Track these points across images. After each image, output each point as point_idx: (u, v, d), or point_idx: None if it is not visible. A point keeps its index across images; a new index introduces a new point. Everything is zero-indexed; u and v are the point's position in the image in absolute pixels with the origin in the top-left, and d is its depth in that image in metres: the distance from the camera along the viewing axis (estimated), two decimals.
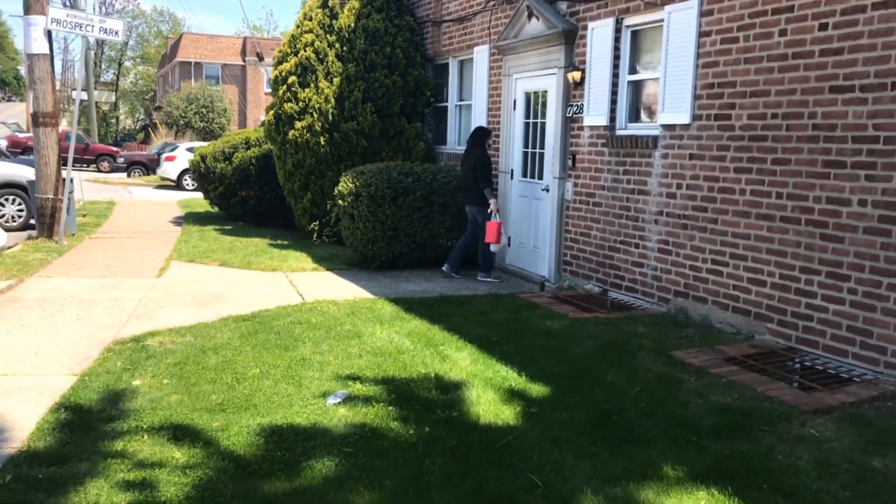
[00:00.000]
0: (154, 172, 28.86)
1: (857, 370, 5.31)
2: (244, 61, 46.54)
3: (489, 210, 8.81)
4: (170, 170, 25.49)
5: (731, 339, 6.24)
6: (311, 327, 6.52)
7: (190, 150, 25.42)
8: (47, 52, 10.96)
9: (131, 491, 3.43)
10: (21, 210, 13.27)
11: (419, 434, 4.24)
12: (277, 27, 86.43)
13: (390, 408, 4.62)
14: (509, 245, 9.77)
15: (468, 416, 4.53)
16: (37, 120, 11.05)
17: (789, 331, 5.90)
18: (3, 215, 13.13)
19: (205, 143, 26.53)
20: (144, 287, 8.17)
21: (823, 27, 5.57)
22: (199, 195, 20.95)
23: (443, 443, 4.12)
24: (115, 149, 37.01)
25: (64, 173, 11.43)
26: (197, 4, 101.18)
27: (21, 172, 13.30)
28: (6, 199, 13.19)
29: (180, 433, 4.10)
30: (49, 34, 10.90)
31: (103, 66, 62.44)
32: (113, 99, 61.43)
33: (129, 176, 30.46)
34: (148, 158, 30.92)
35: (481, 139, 9.13)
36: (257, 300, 7.60)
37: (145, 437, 4.08)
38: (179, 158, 25.30)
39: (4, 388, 4.87)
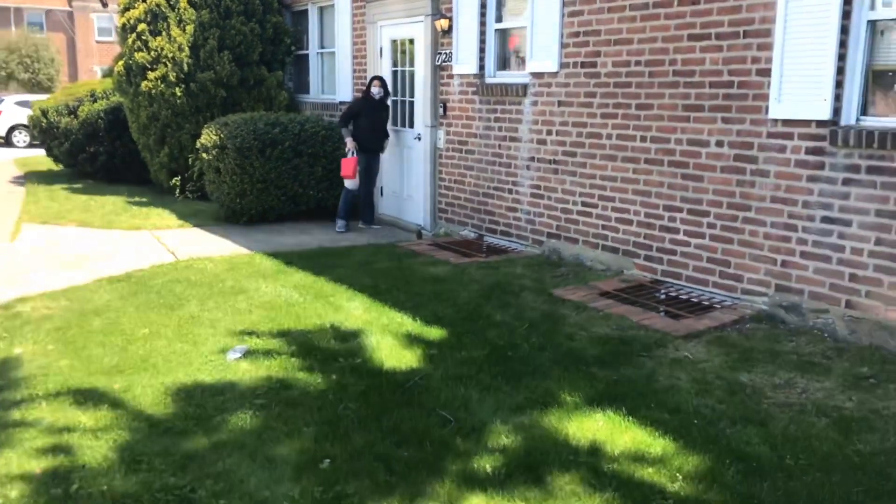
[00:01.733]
0: None
1: (718, 297, 5.85)
2: (71, 6, 43.09)
3: (347, 149, 9.01)
4: None
5: (603, 276, 6.67)
6: (191, 285, 6.37)
7: (20, 103, 23.55)
8: None
9: (45, 457, 3.33)
10: None
11: (327, 382, 4.32)
12: None
13: (293, 359, 4.66)
14: (381, 195, 9.84)
15: (372, 362, 4.65)
16: None
17: (655, 265, 6.38)
18: None
19: (35, 97, 24.61)
20: None
21: None
22: (34, 153, 19.58)
23: (352, 388, 4.23)
24: None
25: None
26: None
27: None
28: None
29: (81, 397, 3.98)
30: None
31: None
32: None
33: None
34: None
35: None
36: (127, 260, 7.31)
37: (43, 404, 3.93)
38: (7, 113, 23.39)
39: None
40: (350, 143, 9.00)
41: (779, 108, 5.34)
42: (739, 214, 5.69)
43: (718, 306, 5.70)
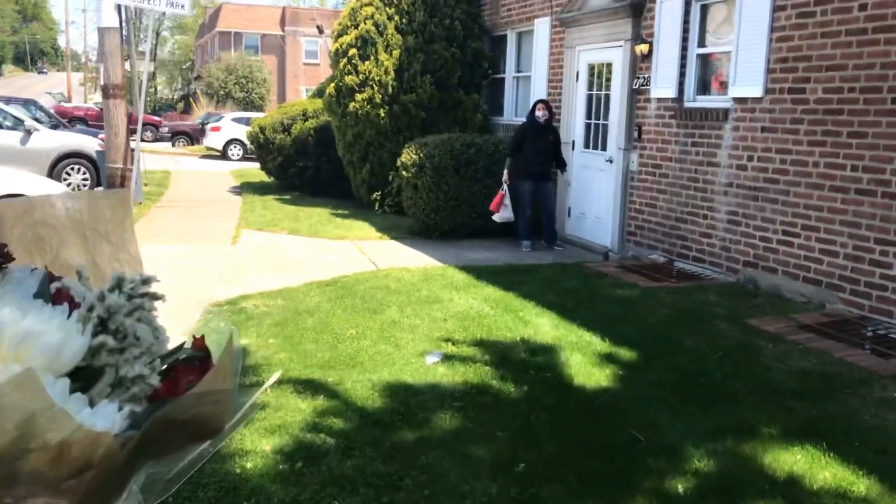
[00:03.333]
0: (198, 142, 29.34)
1: None
2: (283, 31, 46.74)
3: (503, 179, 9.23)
4: (215, 140, 25.91)
5: (803, 308, 6.41)
6: (390, 292, 6.80)
7: (236, 120, 25.84)
8: (117, 25, 11.29)
9: (273, 437, 3.74)
10: (86, 179, 13.69)
11: (519, 391, 4.50)
12: None
13: (487, 367, 4.88)
14: (569, 216, 9.97)
15: (562, 377, 4.79)
16: (107, 92, 11.40)
17: (862, 300, 6.05)
18: (70, 184, 13.55)
19: (249, 114, 26.93)
20: (223, 254, 8.52)
21: None
22: (247, 165, 21.43)
23: (543, 400, 4.38)
24: (157, 118, 37.58)
25: (132, 144, 11.79)
26: None
27: (86, 143, 13.71)
28: (72, 169, 13.62)
29: (300, 387, 4.40)
30: (119, 8, 11.20)
31: (141, 36, 62.96)
32: (151, 69, 62.01)
33: (173, 146, 30.97)
34: (192, 128, 31.41)
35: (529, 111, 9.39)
36: (333, 267, 7.90)
37: (269, 391, 4.39)
38: (225, 129, 25.73)
39: None
40: (505, 175, 9.19)
41: None
42: None
43: None
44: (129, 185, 11.53)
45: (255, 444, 3.66)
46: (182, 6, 11.51)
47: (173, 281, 7.09)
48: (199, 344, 0.99)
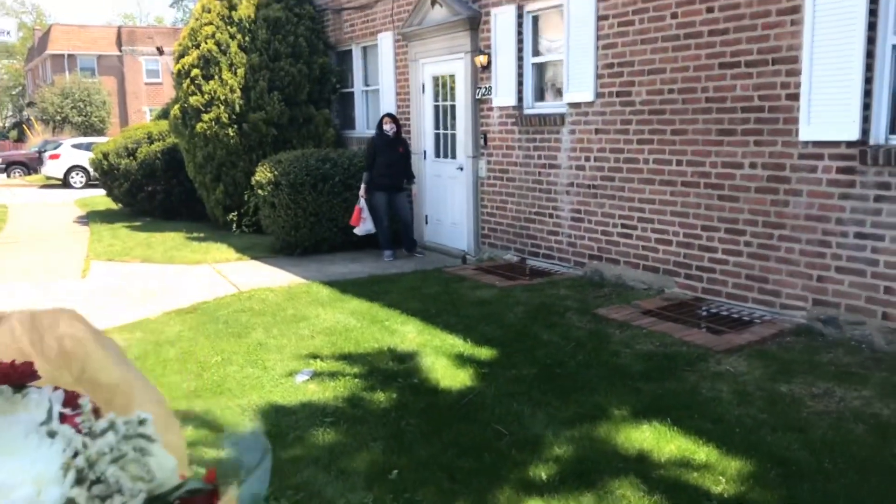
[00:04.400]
0: (36, 172, 27.66)
1: (757, 313, 6.07)
2: (120, 51, 44.73)
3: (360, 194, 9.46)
4: (55, 168, 24.52)
5: (645, 295, 6.92)
6: (255, 314, 6.78)
7: (76, 146, 24.57)
8: None
9: None
10: None
11: (389, 400, 4.65)
12: (149, 14, 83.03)
13: (356, 380, 5.00)
14: (426, 223, 10.22)
15: (428, 382, 4.98)
16: None
17: (696, 283, 6.62)
18: None
19: (90, 139, 25.68)
20: (72, 289, 8.17)
21: (710, 10, 6.24)
22: (93, 193, 20.45)
23: (412, 406, 4.56)
24: None
25: None
26: None
27: None
28: None
29: None
30: None
31: None
32: None
33: (8, 177, 28.99)
34: (28, 157, 29.51)
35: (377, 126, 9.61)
36: (193, 293, 7.76)
37: None
38: (64, 156, 24.42)
39: None
40: (361, 189, 9.40)
41: (809, 131, 5.59)
42: (775, 233, 5.92)
43: (758, 321, 5.92)
44: None
45: None
46: (7, 32, 10.89)
47: None
48: (210, 477, 0.89)
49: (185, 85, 11.45)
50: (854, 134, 5.32)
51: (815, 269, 5.67)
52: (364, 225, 9.38)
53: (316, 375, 5.11)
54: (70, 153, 24.33)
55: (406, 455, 3.89)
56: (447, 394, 4.77)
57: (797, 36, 5.61)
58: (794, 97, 5.68)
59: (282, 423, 4.32)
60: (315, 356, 5.53)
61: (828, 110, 5.45)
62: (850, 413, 4.26)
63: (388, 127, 9.40)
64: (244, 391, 4.85)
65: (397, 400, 4.66)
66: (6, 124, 57.19)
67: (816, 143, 5.58)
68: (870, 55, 5.23)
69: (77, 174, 24.22)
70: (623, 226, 7.27)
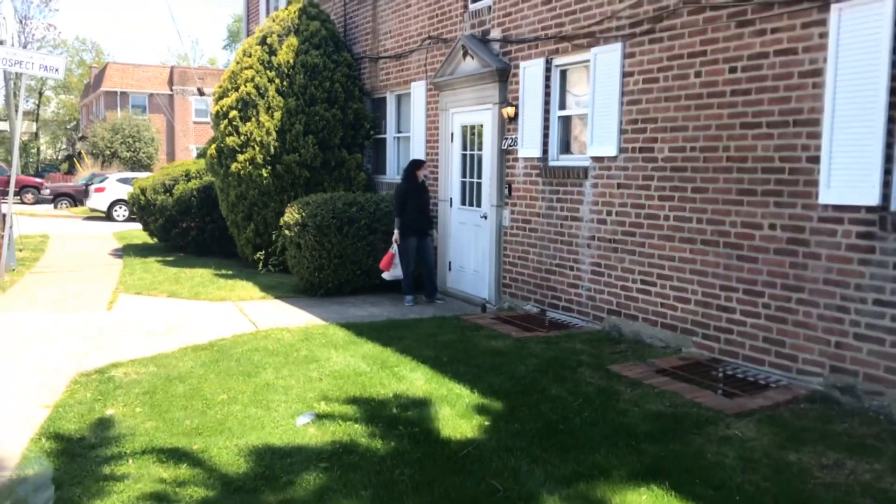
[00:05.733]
0: (82, 204, 28.40)
1: (773, 377, 5.93)
2: (171, 90, 46.10)
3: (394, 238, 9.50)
4: (99, 201, 25.16)
5: (661, 353, 6.81)
6: (268, 354, 6.82)
7: (121, 180, 25.20)
8: None
9: None
10: None
11: (387, 448, 4.62)
12: (203, 55, 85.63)
13: (357, 426, 4.98)
14: (449, 269, 10.24)
15: (429, 431, 4.93)
16: None
17: (713, 343, 6.50)
18: None
19: (135, 174, 26.33)
20: (97, 320, 8.31)
21: (733, 70, 6.24)
22: (132, 226, 20.90)
23: (409, 455, 4.51)
24: (38, 180, 36.23)
25: (4, 208, 11.39)
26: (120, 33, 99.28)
27: None
28: None
29: (164, 456, 4.38)
30: None
31: (22, 96, 60.69)
32: (34, 129, 59.79)
33: (55, 208, 29.85)
34: (75, 190, 30.38)
35: (406, 171, 9.72)
36: (211, 329, 7.84)
37: (130, 461, 4.35)
38: (109, 189, 25.05)
39: None
40: (396, 234, 9.47)
41: (829, 194, 5.51)
42: (793, 296, 5.81)
43: (774, 385, 5.78)
44: (0, 251, 11.10)
45: None
46: (56, 69, 11.31)
47: (40, 350, 6.89)
48: None
49: (222, 125, 11.73)
50: (874, 199, 5.22)
51: (832, 334, 5.54)
52: (394, 270, 9.43)
53: (318, 418, 5.09)
54: (115, 187, 24.95)
55: None
56: (446, 444, 4.72)
57: (818, 99, 5.57)
58: (815, 160, 5.61)
59: (275, 465, 4.31)
60: (321, 399, 5.52)
61: (848, 174, 5.38)
62: (859, 487, 4.12)
63: (424, 173, 9.62)
64: (244, 431, 4.85)
65: (395, 448, 4.62)
66: (59, 157, 58.99)
67: (836, 207, 5.49)
68: (891, 120, 5.16)
69: (120, 207, 24.80)
70: (642, 282, 7.20)
